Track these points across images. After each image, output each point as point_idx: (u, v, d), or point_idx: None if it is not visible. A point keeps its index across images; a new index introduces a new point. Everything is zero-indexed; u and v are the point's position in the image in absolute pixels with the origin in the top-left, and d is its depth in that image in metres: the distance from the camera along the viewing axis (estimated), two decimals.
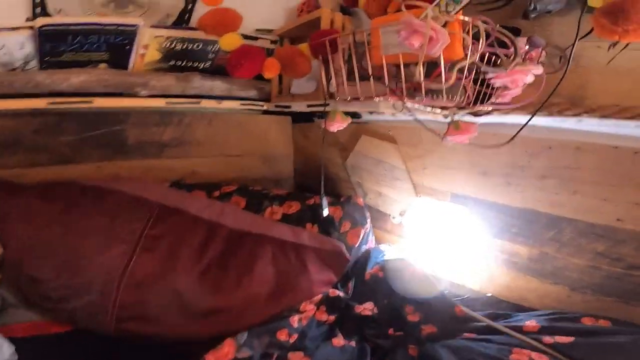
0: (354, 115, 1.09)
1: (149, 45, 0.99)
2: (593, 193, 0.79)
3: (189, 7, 1.08)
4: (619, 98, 0.74)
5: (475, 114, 0.83)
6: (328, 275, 0.93)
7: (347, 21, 1.00)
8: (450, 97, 0.68)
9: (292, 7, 1.14)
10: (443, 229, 1.01)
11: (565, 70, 0.67)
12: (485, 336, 0.79)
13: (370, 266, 0.98)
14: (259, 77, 0.98)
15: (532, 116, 0.71)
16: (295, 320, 0.84)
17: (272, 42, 1.07)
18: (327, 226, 0.99)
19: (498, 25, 0.69)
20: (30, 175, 1.02)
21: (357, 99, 0.80)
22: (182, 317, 0.82)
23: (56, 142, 1.04)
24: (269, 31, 1.12)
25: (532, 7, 0.75)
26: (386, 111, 0.82)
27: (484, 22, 0.67)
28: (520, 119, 0.76)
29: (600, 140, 0.76)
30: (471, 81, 0.70)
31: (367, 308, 0.91)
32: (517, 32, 0.77)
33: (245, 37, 0.98)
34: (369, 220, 1.06)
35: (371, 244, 1.07)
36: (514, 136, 0.70)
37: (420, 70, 0.64)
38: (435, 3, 0.72)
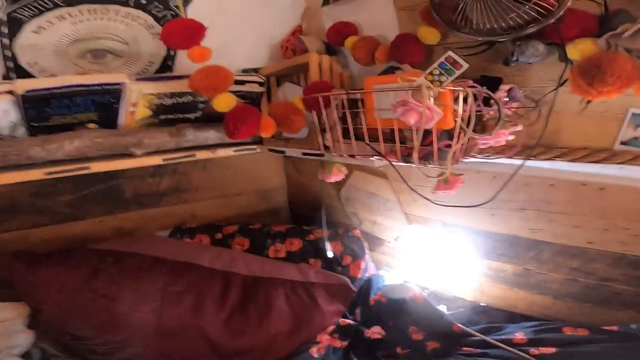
0: None
1: (138, 103, 0.98)
2: (566, 221, 0.90)
3: (172, 53, 1.07)
4: (588, 140, 0.83)
5: None
6: (337, 306, 1.02)
7: (334, 62, 1.02)
8: (441, 163, 0.74)
9: (276, 44, 1.14)
10: (435, 252, 1.10)
11: (545, 128, 0.74)
12: (482, 350, 0.91)
13: (373, 293, 1.08)
14: None
15: (522, 165, 0.77)
16: (314, 351, 0.94)
17: (260, 84, 1.08)
18: (330, 261, 1.07)
19: (484, 87, 0.74)
20: (35, 236, 1.04)
21: (352, 155, 0.85)
22: (216, 358, 0.90)
23: (54, 202, 1.05)
24: (255, 70, 1.13)
25: (515, 59, 0.80)
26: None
27: (472, 86, 0.73)
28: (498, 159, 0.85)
29: (571, 178, 0.86)
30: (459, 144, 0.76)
31: (375, 332, 1.01)
32: (499, 81, 0.83)
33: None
34: (367, 251, 1.14)
35: (371, 270, 1.16)
36: (505, 183, 0.77)
37: (416, 144, 0.70)
38: (427, 71, 0.76)
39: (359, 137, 0.82)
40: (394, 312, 1.02)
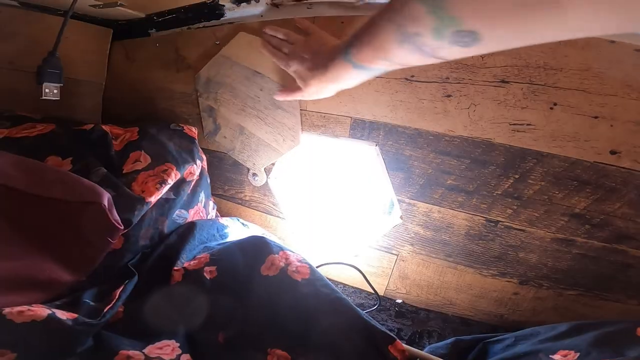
0: (215, 13, 0.61)
1: None
2: None
3: None
4: None
5: None
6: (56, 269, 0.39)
7: None
8: None
9: None
10: (336, 188, 0.57)
11: None
12: None
13: (187, 254, 0.47)
14: None
15: None
16: None
17: None
18: (92, 157, 0.46)
19: None
20: None
21: None
22: None
23: None
24: None
25: None
26: None
27: None
28: None
29: None
30: None
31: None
32: None
33: None
34: (200, 163, 0.56)
35: (200, 212, 0.56)
36: None
37: None
38: None
39: None
40: (230, 305, 0.42)
